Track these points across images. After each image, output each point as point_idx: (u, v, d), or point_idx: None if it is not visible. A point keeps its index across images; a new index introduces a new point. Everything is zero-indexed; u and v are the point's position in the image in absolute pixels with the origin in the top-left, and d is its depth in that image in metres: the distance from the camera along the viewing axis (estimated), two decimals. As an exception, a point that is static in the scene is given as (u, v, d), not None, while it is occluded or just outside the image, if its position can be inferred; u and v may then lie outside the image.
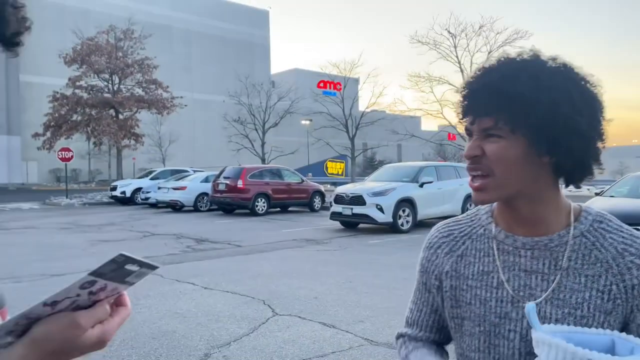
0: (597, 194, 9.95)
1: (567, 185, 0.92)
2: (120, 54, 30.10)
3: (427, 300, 1.07)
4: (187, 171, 22.75)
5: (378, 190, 11.91)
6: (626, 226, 0.93)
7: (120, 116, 30.53)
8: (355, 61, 32.77)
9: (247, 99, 33.83)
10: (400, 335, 1.12)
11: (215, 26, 50.24)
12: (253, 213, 16.17)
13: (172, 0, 47.44)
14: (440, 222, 1.08)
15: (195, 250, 9.40)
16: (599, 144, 0.87)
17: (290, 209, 17.81)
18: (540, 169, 0.88)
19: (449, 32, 27.66)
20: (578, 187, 0.92)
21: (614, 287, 0.88)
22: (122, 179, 27.02)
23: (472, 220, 1.03)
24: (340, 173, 38.04)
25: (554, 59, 0.88)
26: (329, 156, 38.37)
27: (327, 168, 38.71)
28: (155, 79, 30.87)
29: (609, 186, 10.00)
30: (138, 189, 21.53)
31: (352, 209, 11.89)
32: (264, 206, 16.46)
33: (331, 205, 12.72)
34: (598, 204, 8.46)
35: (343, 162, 37.85)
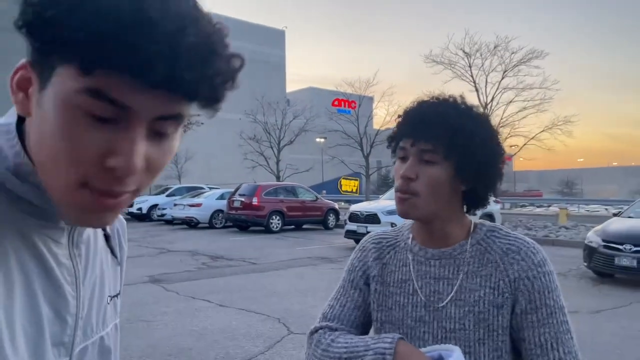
0: (614, 215, 9.83)
1: (468, 211, 1.09)
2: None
3: (351, 297, 1.14)
4: (202, 188, 22.94)
5: (393, 208, 11.87)
6: (514, 232, 1.08)
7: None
8: (370, 80, 32.98)
9: (262, 117, 34.16)
10: (317, 329, 1.11)
11: (233, 45, 50.96)
12: (267, 230, 16.22)
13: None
14: (373, 232, 1.21)
15: (210, 267, 9.46)
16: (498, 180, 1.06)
17: (304, 226, 17.83)
18: (456, 194, 1.04)
19: (463, 51, 27.72)
20: (474, 213, 1.09)
21: (501, 282, 1.01)
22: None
23: (397, 234, 1.16)
24: (354, 191, 38.00)
25: (472, 106, 1.05)
26: (344, 174, 38.40)
27: (341, 186, 38.70)
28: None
29: (628, 207, 9.87)
30: (154, 206, 21.73)
31: (366, 227, 11.88)
32: (279, 223, 16.51)
33: (345, 223, 12.73)
34: (615, 226, 8.36)
35: (357, 180, 37.83)
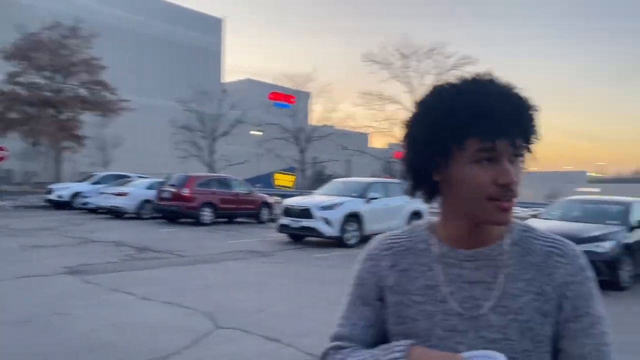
0: (533, 216, 10.45)
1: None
2: (66, 51, 28.89)
3: (362, 315, 1.00)
4: (130, 177, 22.01)
5: (326, 204, 11.97)
6: (548, 232, 0.99)
7: (62, 116, 29.21)
8: (308, 75, 32.98)
9: (197, 106, 33.28)
10: (327, 352, 0.99)
11: (167, 30, 49.32)
12: (198, 223, 15.82)
13: (124, 1, 46.20)
14: (379, 236, 1.05)
15: (135, 259, 9.07)
16: None
17: (237, 219, 17.57)
18: None
19: (400, 53, 28.43)
20: None
21: (546, 287, 0.92)
22: (60, 182, 25.78)
23: (411, 236, 1.01)
24: (289, 185, 37.99)
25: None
26: (279, 168, 38.27)
27: (275, 180, 38.56)
28: (102, 80, 29.74)
29: (544, 209, 10.52)
30: (77, 194, 20.57)
31: (300, 221, 11.87)
32: (210, 216, 16.14)
33: (279, 218, 12.66)
34: (534, 226, 8.86)
35: (293, 175, 37.84)
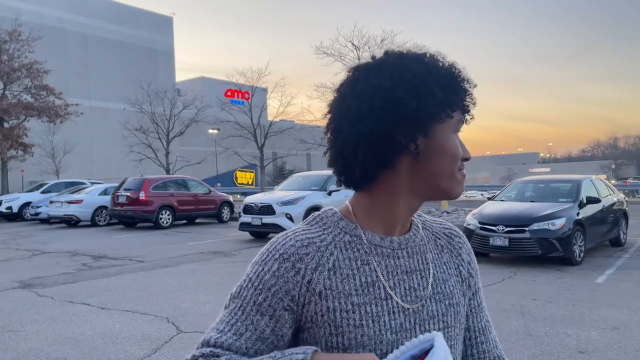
0: (489, 199, 10.71)
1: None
2: (5, 57, 27.52)
3: (253, 325, 0.82)
4: (83, 183, 21.26)
5: (287, 199, 11.90)
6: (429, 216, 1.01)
7: (6, 124, 27.86)
8: (262, 70, 32.62)
9: (149, 106, 32.42)
10: (197, 357, 0.83)
11: (114, 30, 47.70)
12: (157, 226, 15.44)
13: (66, 1, 44.38)
14: (287, 231, 0.87)
15: (91, 268, 8.75)
16: None
17: (197, 220, 17.25)
18: None
19: (352, 44, 28.52)
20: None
21: (461, 268, 0.94)
22: (7, 192, 24.63)
23: (326, 228, 0.87)
24: (250, 183, 37.63)
25: None
26: (238, 166, 37.82)
27: (236, 178, 38.10)
28: (46, 85, 28.51)
29: (499, 191, 10.79)
30: (27, 204, 19.74)
31: (261, 218, 11.76)
32: (169, 219, 15.79)
33: (240, 216, 12.51)
34: (489, 209, 9.10)
35: (253, 172, 37.49)
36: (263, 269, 0.84)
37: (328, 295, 0.82)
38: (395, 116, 0.80)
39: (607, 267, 8.00)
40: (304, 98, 41.45)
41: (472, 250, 0.99)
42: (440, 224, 0.97)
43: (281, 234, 0.88)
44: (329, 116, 0.87)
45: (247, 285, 0.84)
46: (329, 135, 0.87)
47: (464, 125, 0.88)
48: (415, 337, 0.82)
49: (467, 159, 0.87)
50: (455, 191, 0.86)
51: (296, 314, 0.83)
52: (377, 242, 0.86)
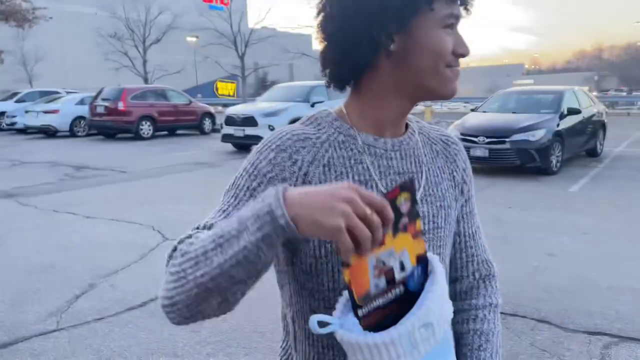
0: (472, 110, 10.71)
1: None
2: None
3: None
4: (58, 92, 20.58)
5: (270, 110, 11.75)
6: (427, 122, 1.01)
7: (-29, 29, 26.34)
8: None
9: (123, 11, 30.72)
10: (184, 238, 0.74)
11: None
12: (138, 137, 15.25)
13: None
14: (282, 128, 0.86)
15: (74, 178, 8.73)
16: None
17: (178, 132, 17.06)
18: None
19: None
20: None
21: (455, 174, 0.95)
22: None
23: (320, 128, 0.86)
24: (231, 94, 36.82)
25: None
26: (219, 76, 36.78)
27: (217, 89, 37.19)
28: (11, -14, 26.68)
29: (482, 103, 10.78)
30: (1, 114, 19.19)
31: (244, 130, 11.67)
32: (150, 129, 15.57)
33: (222, 127, 12.38)
34: (471, 120, 9.13)
35: (234, 83, 36.57)
36: (258, 157, 0.82)
37: None
38: (363, 14, 0.78)
39: (581, 176, 8.25)
40: (287, 3, 39.54)
41: (467, 159, 1.00)
42: (438, 131, 0.98)
43: (276, 130, 0.86)
44: (318, 19, 0.85)
45: (242, 175, 0.83)
46: (319, 40, 0.86)
47: (466, 15, 0.84)
48: None
49: (462, 55, 0.83)
50: (444, 90, 0.84)
51: None
52: (371, 143, 0.86)
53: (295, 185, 0.80)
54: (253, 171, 0.81)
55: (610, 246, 4.72)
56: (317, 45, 0.88)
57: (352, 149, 0.85)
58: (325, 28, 0.82)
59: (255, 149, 0.85)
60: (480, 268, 0.99)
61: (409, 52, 0.80)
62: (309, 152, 0.83)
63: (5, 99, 21.16)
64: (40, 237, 5.18)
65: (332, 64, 0.84)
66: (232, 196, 0.81)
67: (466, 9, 0.83)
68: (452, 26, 0.82)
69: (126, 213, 6.09)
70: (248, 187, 0.80)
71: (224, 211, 0.79)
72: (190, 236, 0.74)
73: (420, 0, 0.78)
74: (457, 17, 0.82)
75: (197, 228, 0.77)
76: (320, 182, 0.82)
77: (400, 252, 0.69)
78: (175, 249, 0.74)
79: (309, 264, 0.82)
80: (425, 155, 0.92)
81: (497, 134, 8.23)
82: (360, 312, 0.68)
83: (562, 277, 3.98)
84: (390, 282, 0.69)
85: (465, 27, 0.89)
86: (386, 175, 0.86)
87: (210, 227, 0.76)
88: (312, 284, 0.83)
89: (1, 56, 27.53)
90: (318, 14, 0.84)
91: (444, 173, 0.93)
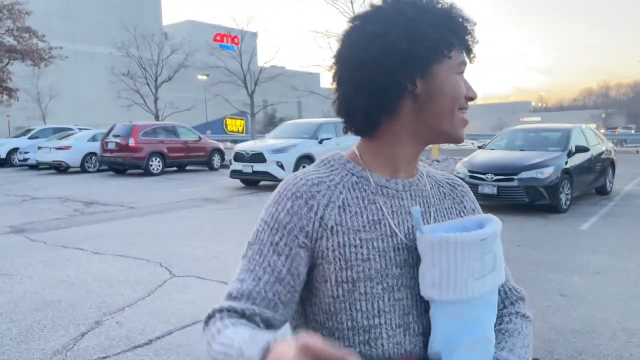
0: (479, 147, 10.74)
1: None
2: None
3: (271, 266, 0.85)
4: (71, 129, 20.98)
5: (278, 147, 11.86)
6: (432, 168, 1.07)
7: (-12, 68, 27.10)
8: (252, 14, 31.65)
9: (136, 51, 31.57)
10: (214, 312, 0.82)
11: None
12: (147, 173, 15.41)
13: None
14: (296, 173, 0.91)
15: (83, 214, 8.79)
16: None
17: (188, 168, 17.22)
18: None
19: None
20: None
21: (462, 215, 1.00)
22: (-6, 138, 24.27)
23: (333, 170, 0.91)
24: (240, 130, 37.30)
25: None
26: (228, 113, 37.36)
27: (226, 125, 37.72)
28: (29, 27, 27.55)
29: (490, 140, 10.82)
30: (14, 150, 19.53)
31: (252, 166, 11.76)
32: (159, 165, 15.74)
33: (231, 164, 12.49)
34: (479, 157, 9.16)
35: (243, 119, 37.10)
36: (277, 209, 0.87)
37: (339, 230, 0.86)
38: (391, 60, 0.83)
39: (592, 214, 8.18)
40: (296, 43, 40.48)
41: (475, 200, 1.04)
42: (443, 175, 1.04)
43: (290, 175, 0.92)
44: (335, 67, 0.91)
45: (262, 229, 0.88)
46: (334, 86, 0.92)
47: (469, 64, 0.91)
48: (416, 273, 0.88)
49: (471, 99, 0.90)
50: (458, 133, 0.91)
51: (310, 250, 0.86)
52: (383, 184, 0.92)
53: (313, 229, 0.86)
54: (274, 224, 0.87)
55: (623, 286, 4.64)
56: (326, 83, 0.94)
57: (365, 190, 0.90)
58: (347, 76, 0.88)
59: (272, 198, 0.90)
60: (510, 295, 1.02)
61: (429, 96, 0.87)
62: (324, 196, 0.88)
63: (18, 135, 21.59)
64: (48, 272, 5.18)
65: (358, 110, 0.88)
66: (257, 252, 0.87)
67: (470, 58, 0.91)
68: (462, 72, 0.90)
69: (134, 249, 6.10)
70: (271, 242, 0.86)
71: (252, 272, 0.86)
72: (221, 311, 0.82)
73: (441, 48, 0.84)
74: (466, 65, 0.90)
75: (231, 296, 0.85)
76: (336, 223, 0.86)
77: None
78: (207, 322, 0.82)
79: (327, 303, 0.87)
80: (432, 197, 0.97)
81: (506, 172, 8.23)
82: None
83: (574, 318, 3.90)
84: None
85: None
86: (398, 214, 0.90)
87: (242, 296, 0.83)
88: (332, 322, 0.87)
89: (16, 94, 28.20)
90: (336, 63, 0.90)
91: (451, 214, 0.98)
